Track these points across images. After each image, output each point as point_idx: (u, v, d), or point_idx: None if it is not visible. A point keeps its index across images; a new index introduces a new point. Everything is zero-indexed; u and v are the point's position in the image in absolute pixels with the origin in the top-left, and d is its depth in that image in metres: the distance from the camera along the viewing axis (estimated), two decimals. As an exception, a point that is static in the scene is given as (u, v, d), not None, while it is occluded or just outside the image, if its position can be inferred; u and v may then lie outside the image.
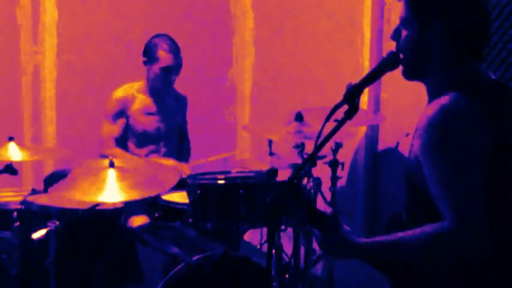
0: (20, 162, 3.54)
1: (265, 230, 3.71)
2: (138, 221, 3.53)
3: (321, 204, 3.48)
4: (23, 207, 3.16)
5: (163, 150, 4.01)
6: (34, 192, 3.43)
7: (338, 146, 3.69)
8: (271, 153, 3.60)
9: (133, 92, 3.95)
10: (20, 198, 3.30)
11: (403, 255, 1.80)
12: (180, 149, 4.20)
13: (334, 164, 3.73)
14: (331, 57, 4.30)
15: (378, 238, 1.83)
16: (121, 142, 3.93)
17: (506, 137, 1.78)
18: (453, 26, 1.82)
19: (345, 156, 3.91)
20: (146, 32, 4.11)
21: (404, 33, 1.88)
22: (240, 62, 5.12)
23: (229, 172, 3.34)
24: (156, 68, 3.86)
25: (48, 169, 4.54)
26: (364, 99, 3.94)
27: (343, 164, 3.75)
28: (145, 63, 3.91)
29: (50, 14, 4.52)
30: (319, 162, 3.60)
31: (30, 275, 3.17)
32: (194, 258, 2.75)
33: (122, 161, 3.10)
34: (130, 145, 3.96)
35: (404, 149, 3.85)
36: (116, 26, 4.72)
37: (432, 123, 1.74)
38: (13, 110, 4.52)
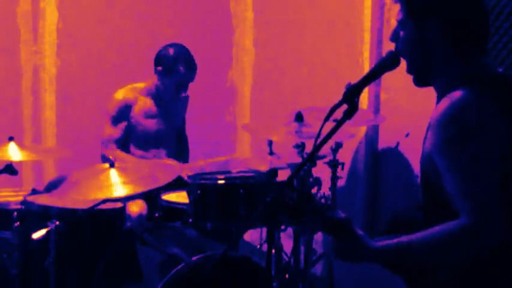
0: (20, 162, 3.54)
1: (265, 230, 3.72)
2: (134, 205, 3.50)
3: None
4: (23, 207, 3.16)
5: (163, 151, 4.00)
6: (34, 192, 3.43)
7: (338, 146, 3.69)
8: (271, 153, 3.59)
9: (136, 94, 3.90)
10: (20, 198, 3.30)
11: (420, 256, 1.79)
12: (179, 149, 4.20)
13: (334, 164, 3.73)
14: (331, 57, 4.30)
15: (394, 240, 1.81)
16: (122, 144, 3.91)
17: None
18: (448, 24, 1.82)
19: (345, 156, 3.91)
20: (146, 32, 4.12)
21: (402, 34, 1.89)
22: (240, 62, 5.12)
23: (229, 172, 3.35)
24: (170, 80, 3.82)
25: (48, 169, 4.55)
26: (364, 99, 3.94)
27: (343, 164, 3.75)
28: (158, 72, 3.85)
29: (50, 14, 4.51)
30: (319, 162, 3.61)
31: (30, 275, 3.17)
32: (194, 258, 2.75)
33: (122, 162, 3.11)
34: (132, 146, 3.95)
35: (404, 149, 3.86)
36: (115, 26, 4.71)
37: (445, 118, 1.74)
38: (13, 110, 4.52)
